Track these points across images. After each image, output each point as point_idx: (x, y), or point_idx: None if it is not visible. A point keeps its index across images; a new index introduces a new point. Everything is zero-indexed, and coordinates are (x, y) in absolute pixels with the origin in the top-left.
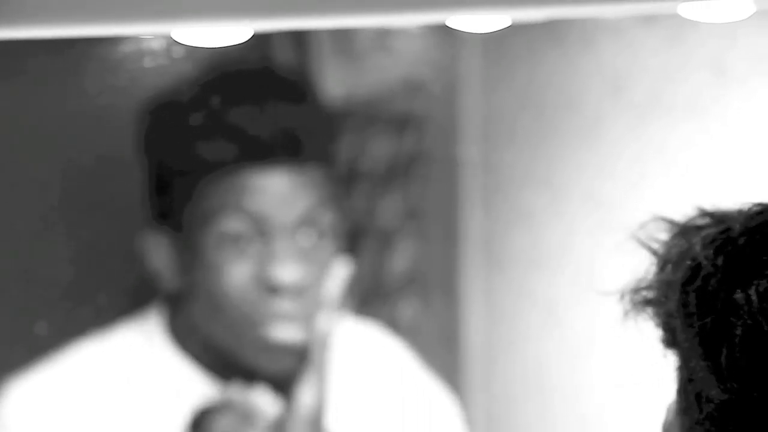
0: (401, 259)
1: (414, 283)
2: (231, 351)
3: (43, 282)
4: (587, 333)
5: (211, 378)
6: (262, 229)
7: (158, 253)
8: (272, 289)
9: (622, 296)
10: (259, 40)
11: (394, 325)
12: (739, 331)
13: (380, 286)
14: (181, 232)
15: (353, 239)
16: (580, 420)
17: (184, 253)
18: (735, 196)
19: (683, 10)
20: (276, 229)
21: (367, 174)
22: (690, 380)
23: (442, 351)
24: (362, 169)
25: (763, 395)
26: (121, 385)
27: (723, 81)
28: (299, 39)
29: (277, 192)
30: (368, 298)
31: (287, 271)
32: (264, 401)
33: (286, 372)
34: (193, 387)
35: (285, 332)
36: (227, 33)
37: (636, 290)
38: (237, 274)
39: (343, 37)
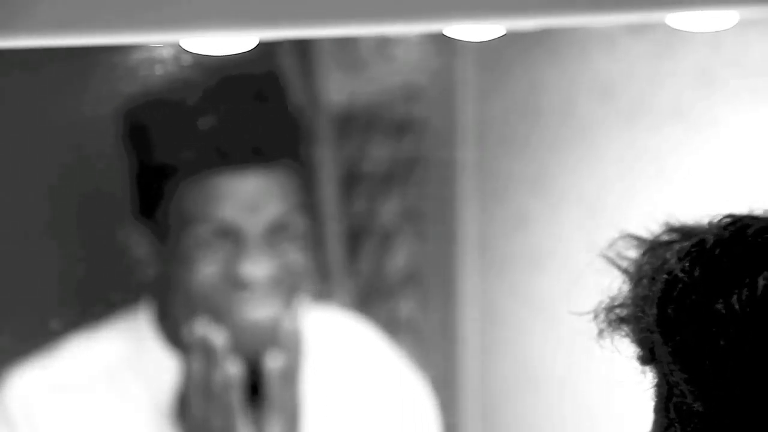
0: (400, 258)
1: (413, 281)
2: None
3: (57, 280)
4: (579, 331)
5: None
6: (233, 234)
7: (139, 246)
8: (242, 287)
9: (596, 316)
10: (264, 48)
11: (393, 322)
12: (723, 342)
13: (380, 284)
14: (160, 230)
15: (354, 239)
16: (573, 414)
17: (162, 249)
18: (723, 199)
19: (671, 20)
20: (247, 233)
21: (367, 176)
22: (670, 395)
23: (440, 347)
24: (363, 171)
25: (749, 404)
26: (111, 378)
27: (709, 87)
28: (303, 47)
29: (249, 198)
30: (368, 296)
31: (256, 269)
32: (209, 331)
33: (264, 347)
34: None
35: (256, 312)
36: (233, 42)
37: (610, 309)
38: (208, 273)
39: (345, 45)
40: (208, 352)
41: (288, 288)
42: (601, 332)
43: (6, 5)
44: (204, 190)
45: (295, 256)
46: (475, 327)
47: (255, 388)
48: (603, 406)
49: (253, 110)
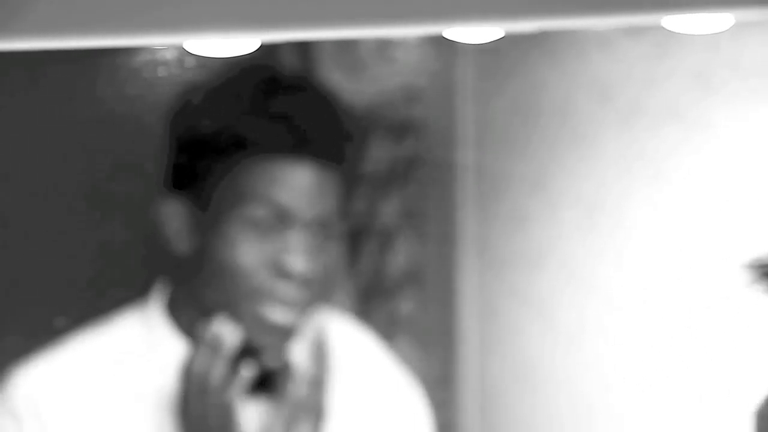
0: (400, 257)
1: (412, 280)
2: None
3: (63, 278)
4: (575, 329)
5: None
6: (283, 219)
7: (174, 220)
8: (283, 275)
9: (751, 268)
10: (266, 50)
11: (393, 320)
12: None
13: (380, 283)
14: (206, 205)
15: (355, 238)
16: (569, 410)
17: (203, 225)
18: (716, 198)
19: (667, 23)
20: (296, 221)
21: (368, 177)
22: None
23: (439, 345)
24: (364, 172)
25: None
26: (118, 371)
27: (705, 88)
28: (304, 49)
29: (305, 187)
30: (369, 295)
31: (300, 261)
32: (224, 329)
33: (275, 347)
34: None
35: (280, 315)
36: (236, 44)
37: (762, 265)
38: (252, 254)
39: (346, 47)
40: (216, 349)
41: (321, 287)
42: (753, 282)
43: (9, 7)
44: (262, 172)
45: (332, 258)
46: (473, 326)
47: (267, 384)
48: (600, 404)
49: (332, 105)
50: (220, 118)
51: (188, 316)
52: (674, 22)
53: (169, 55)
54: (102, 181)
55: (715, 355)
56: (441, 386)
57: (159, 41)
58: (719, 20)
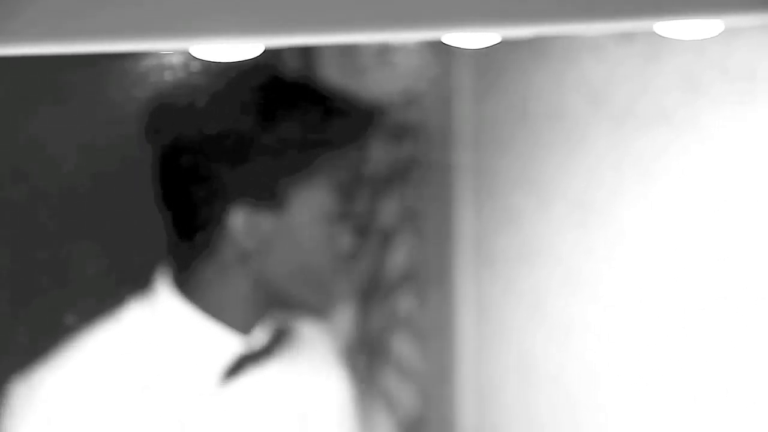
0: (399, 256)
1: (411, 278)
2: (294, 300)
3: (72, 276)
4: (569, 324)
5: (230, 329)
6: (350, 206)
7: (244, 225)
8: (347, 255)
9: None
10: (269, 55)
11: (392, 317)
12: None
13: (380, 281)
14: (280, 206)
15: (356, 237)
16: (564, 405)
17: (269, 217)
18: (704, 198)
19: (659, 28)
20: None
21: (368, 178)
22: None
23: (437, 341)
24: (364, 173)
25: None
26: (141, 359)
27: (694, 93)
28: (306, 53)
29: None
30: (369, 292)
31: (356, 240)
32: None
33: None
34: (214, 341)
35: (348, 286)
36: (240, 49)
37: None
38: (321, 239)
39: (347, 52)
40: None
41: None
42: None
43: (17, 13)
44: (340, 165)
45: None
46: (470, 320)
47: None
48: (595, 399)
49: (357, 98)
50: (297, 114)
51: (206, 291)
52: (665, 27)
53: (175, 60)
54: (110, 180)
55: (709, 354)
56: (439, 381)
57: (165, 46)
58: (709, 26)
